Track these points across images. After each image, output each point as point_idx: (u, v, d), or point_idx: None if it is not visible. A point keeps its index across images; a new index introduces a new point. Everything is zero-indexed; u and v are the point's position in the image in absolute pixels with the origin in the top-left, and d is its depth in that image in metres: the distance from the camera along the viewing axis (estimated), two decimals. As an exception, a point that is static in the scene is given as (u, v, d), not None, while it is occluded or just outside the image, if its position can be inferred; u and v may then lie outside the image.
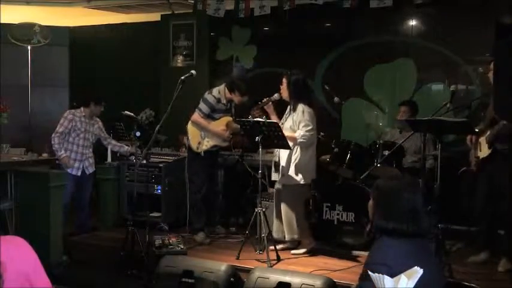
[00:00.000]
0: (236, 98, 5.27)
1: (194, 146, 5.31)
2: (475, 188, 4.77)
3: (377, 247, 2.36)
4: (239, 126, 5.00)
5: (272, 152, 5.14)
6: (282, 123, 4.86)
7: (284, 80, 4.89)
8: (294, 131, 4.78)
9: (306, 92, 4.95)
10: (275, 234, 4.98)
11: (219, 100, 5.29)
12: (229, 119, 5.36)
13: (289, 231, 4.90)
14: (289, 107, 4.94)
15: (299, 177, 4.82)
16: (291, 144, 4.70)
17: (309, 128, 4.76)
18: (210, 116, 5.30)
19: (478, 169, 4.66)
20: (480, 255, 4.67)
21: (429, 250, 2.32)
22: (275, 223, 5.05)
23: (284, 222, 4.91)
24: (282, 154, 4.90)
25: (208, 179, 5.39)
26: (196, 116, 5.29)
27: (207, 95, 5.30)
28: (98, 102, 5.69)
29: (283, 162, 4.88)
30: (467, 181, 5.04)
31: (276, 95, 4.93)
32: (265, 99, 4.96)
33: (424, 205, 2.37)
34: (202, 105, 5.28)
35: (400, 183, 2.39)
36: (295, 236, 4.91)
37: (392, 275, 2.09)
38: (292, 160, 4.83)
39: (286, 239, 4.96)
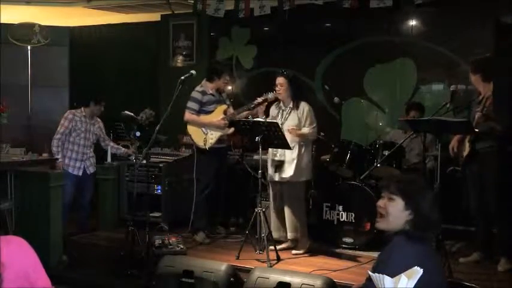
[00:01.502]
0: (219, 83, 5.35)
1: (201, 143, 5.30)
2: (461, 188, 4.81)
3: (391, 246, 2.35)
4: (235, 112, 5.18)
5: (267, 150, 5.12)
6: (282, 123, 4.86)
7: (282, 80, 4.89)
8: (299, 130, 4.81)
9: (303, 89, 5.00)
10: (274, 234, 4.98)
11: (203, 93, 5.32)
12: (224, 107, 5.38)
13: (293, 229, 4.89)
14: (288, 105, 4.92)
15: (303, 174, 4.84)
16: (295, 142, 4.76)
17: (314, 125, 4.85)
18: (202, 111, 5.32)
19: (463, 169, 4.66)
20: (473, 255, 4.67)
21: (434, 251, 2.32)
22: (274, 222, 5.05)
23: (288, 220, 4.89)
24: (281, 152, 4.87)
25: (215, 179, 5.37)
26: (187, 114, 5.32)
27: (191, 94, 5.35)
28: (97, 101, 5.70)
29: (286, 160, 4.85)
30: (455, 180, 5.06)
31: (271, 95, 4.94)
32: (261, 99, 4.97)
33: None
34: (189, 103, 5.32)
35: (425, 185, 2.40)
36: (298, 235, 4.90)
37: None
38: (295, 157, 4.82)
39: (288, 238, 4.94)
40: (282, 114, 4.95)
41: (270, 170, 4.99)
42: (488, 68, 4.44)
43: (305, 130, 4.81)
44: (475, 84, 4.63)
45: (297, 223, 4.87)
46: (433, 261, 2.22)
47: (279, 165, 4.90)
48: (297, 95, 4.91)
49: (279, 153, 4.90)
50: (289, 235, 4.93)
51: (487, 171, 4.44)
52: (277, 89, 4.92)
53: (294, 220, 4.88)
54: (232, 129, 5.27)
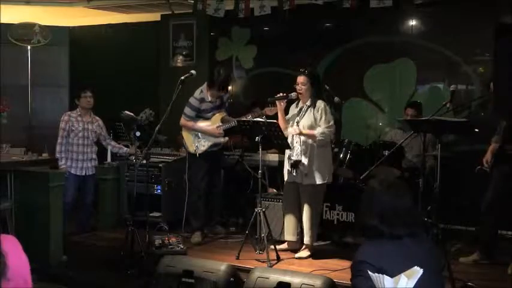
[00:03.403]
0: (217, 90, 5.20)
1: (191, 149, 5.33)
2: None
3: (361, 246, 2.36)
4: (233, 120, 5.08)
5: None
6: (298, 121, 4.79)
7: (303, 78, 4.75)
8: (315, 129, 4.70)
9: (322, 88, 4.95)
10: (291, 237, 4.91)
11: (202, 100, 5.27)
12: (223, 115, 5.37)
13: (313, 234, 4.79)
14: (306, 103, 4.80)
15: (325, 176, 4.75)
16: (309, 143, 4.67)
17: (330, 123, 4.70)
18: (199, 117, 5.31)
19: (491, 169, 4.63)
20: (473, 255, 4.65)
21: (421, 253, 2.28)
22: (289, 224, 4.93)
23: (309, 225, 4.75)
24: (297, 152, 4.73)
25: (208, 179, 5.38)
26: (182, 120, 5.33)
27: (189, 99, 5.31)
28: (78, 96, 5.61)
29: (305, 161, 4.71)
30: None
31: (293, 94, 4.81)
32: (281, 94, 4.81)
33: (411, 208, 2.33)
34: (186, 109, 5.31)
35: (381, 185, 2.37)
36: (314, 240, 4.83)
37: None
38: (317, 158, 4.71)
39: (305, 243, 4.81)
40: (300, 113, 4.82)
41: (287, 171, 4.85)
42: None
43: (316, 130, 4.65)
44: None
45: (316, 228, 4.82)
46: (405, 260, 2.19)
47: (294, 165, 4.74)
48: (318, 94, 4.79)
49: (295, 153, 4.74)
50: (307, 240, 4.79)
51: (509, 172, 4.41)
52: (298, 88, 4.77)
53: (313, 224, 4.77)
54: (226, 139, 5.33)
